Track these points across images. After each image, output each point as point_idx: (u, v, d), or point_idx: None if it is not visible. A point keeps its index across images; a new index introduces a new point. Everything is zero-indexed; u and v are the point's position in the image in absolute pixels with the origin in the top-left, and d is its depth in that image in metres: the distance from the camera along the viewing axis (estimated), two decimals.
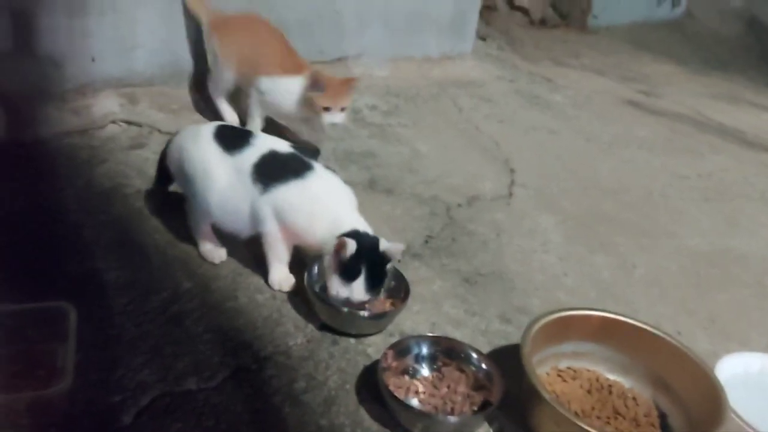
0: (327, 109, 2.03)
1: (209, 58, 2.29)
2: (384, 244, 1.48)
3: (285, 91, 2.11)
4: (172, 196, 1.84)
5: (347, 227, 1.48)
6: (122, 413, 1.21)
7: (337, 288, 1.47)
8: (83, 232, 1.64)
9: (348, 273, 1.45)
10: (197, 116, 2.32)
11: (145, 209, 1.79)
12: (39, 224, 1.66)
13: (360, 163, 2.25)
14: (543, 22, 4.78)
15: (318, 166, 1.58)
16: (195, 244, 1.67)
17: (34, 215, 1.69)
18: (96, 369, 1.29)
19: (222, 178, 1.55)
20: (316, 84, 2.02)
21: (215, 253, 1.64)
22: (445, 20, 3.30)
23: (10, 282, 1.44)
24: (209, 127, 1.62)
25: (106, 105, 2.21)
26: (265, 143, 1.59)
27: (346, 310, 1.46)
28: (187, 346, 1.39)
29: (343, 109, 2.05)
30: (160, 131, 2.18)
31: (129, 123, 2.19)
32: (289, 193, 1.52)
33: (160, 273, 1.57)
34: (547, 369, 1.46)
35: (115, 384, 1.27)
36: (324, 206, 1.53)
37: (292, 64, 2.14)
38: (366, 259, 1.45)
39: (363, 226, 1.51)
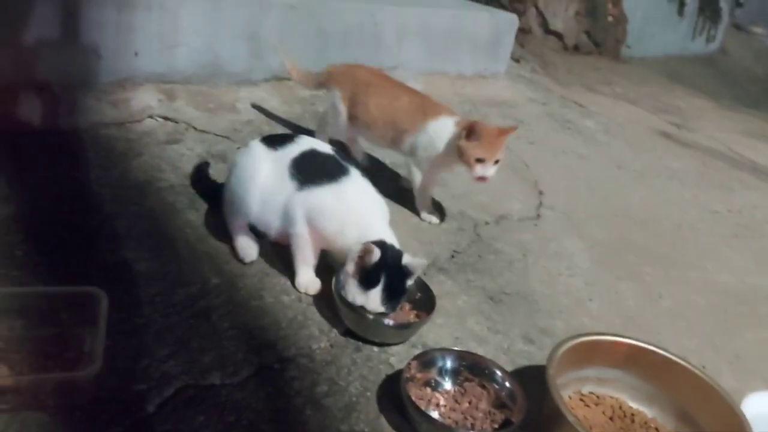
0: (480, 160, 1.84)
1: (329, 115, 2.16)
2: (407, 259, 1.48)
3: (436, 138, 1.94)
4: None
5: (376, 237, 1.49)
6: (146, 402, 1.22)
7: (354, 294, 1.47)
8: (116, 223, 1.66)
9: (368, 280, 1.45)
10: (233, 116, 2.34)
11: (177, 204, 1.81)
12: (74, 211, 1.68)
13: (391, 175, 2.26)
14: (576, 48, 4.80)
15: (354, 172, 1.59)
16: (225, 241, 1.68)
17: (69, 202, 1.71)
18: (123, 356, 1.30)
19: (263, 171, 1.58)
20: (471, 132, 1.84)
21: (248, 251, 1.65)
22: (482, 40, 3.33)
23: (44, 266, 1.47)
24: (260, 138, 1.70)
25: (145, 99, 2.24)
26: (307, 142, 1.62)
27: (371, 317, 1.46)
28: (212, 340, 1.40)
29: (496, 162, 1.87)
30: (195, 128, 2.21)
31: (166, 119, 2.22)
32: (323, 196, 1.53)
33: (189, 267, 1.59)
34: (569, 393, 1.44)
35: (140, 373, 1.28)
36: (355, 213, 1.54)
37: (433, 109, 2.00)
38: (387, 269, 1.45)
39: (391, 239, 1.52)
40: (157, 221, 1.72)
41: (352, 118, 2.08)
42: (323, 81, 2.18)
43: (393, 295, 1.46)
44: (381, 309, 1.46)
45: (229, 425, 1.22)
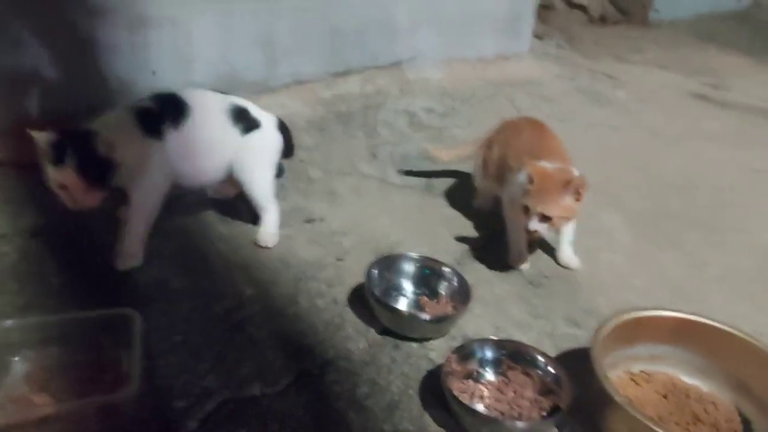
0: (529, 210, 1.60)
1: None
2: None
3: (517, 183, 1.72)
4: (234, 204, 1.87)
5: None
6: (188, 419, 1.22)
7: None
8: (149, 241, 1.67)
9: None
10: None
11: (207, 218, 1.82)
12: (106, 231, 1.70)
13: (417, 165, 2.23)
14: (603, 19, 4.67)
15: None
16: (258, 251, 1.68)
17: (101, 222, 1.73)
18: (162, 375, 1.31)
19: None
20: (530, 179, 1.60)
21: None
22: (500, 20, 3.26)
23: (80, 292, 1.48)
24: None
25: None
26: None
27: (407, 313, 1.43)
28: (250, 351, 1.39)
29: (549, 219, 1.59)
30: None
31: None
32: None
33: (222, 280, 1.59)
34: (618, 372, 1.39)
35: (180, 390, 1.28)
36: None
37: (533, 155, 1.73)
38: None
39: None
40: (189, 237, 1.73)
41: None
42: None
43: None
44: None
45: None
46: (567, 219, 1.64)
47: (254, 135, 1.68)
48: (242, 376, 1.33)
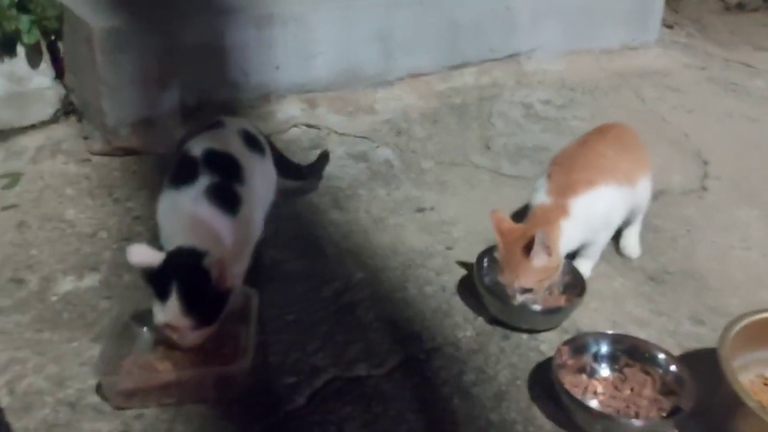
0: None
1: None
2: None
3: None
4: (345, 192, 1.91)
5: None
6: (296, 394, 1.26)
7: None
8: (266, 226, 1.73)
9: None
10: (371, 117, 2.38)
11: (321, 204, 1.86)
12: None
13: (532, 157, 2.17)
14: (740, 6, 4.33)
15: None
16: (368, 237, 1.70)
17: None
18: (275, 351, 1.36)
19: None
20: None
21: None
22: (626, 10, 3.11)
23: None
24: None
25: (289, 110, 2.34)
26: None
27: (517, 303, 1.39)
28: (357, 333, 1.41)
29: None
30: (336, 132, 2.27)
31: (309, 126, 2.31)
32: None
33: (333, 264, 1.62)
34: (750, 376, 1.28)
35: (290, 366, 1.32)
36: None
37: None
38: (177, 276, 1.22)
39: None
40: (303, 222, 1.79)
41: None
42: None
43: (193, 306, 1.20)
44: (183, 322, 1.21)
45: (377, 416, 1.22)
46: (549, 279, 1.42)
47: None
48: (349, 356, 1.35)
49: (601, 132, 1.65)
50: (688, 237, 1.79)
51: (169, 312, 1.19)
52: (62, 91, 2.19)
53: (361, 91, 2.50)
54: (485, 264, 1.51)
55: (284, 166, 1.75)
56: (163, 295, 1.19)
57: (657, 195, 1.97)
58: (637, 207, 1.64)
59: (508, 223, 1.45)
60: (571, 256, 1.55)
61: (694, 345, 1.41)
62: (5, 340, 1.36)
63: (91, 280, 1.53)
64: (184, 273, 1.19)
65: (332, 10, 2.40)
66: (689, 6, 4.02)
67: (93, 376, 1.26)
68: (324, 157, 1.96)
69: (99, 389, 1.24)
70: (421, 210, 1.86)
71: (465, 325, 1.45)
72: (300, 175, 1.88)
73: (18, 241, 1.65)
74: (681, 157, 2.22)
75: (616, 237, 1.68)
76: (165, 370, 1.24)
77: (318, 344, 1.38)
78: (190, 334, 1.22)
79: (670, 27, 3.54)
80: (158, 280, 1.20)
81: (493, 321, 1.46)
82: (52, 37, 2.16)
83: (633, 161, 1.60)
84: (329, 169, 2.02)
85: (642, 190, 1.63)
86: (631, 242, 1.70)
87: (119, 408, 1.21)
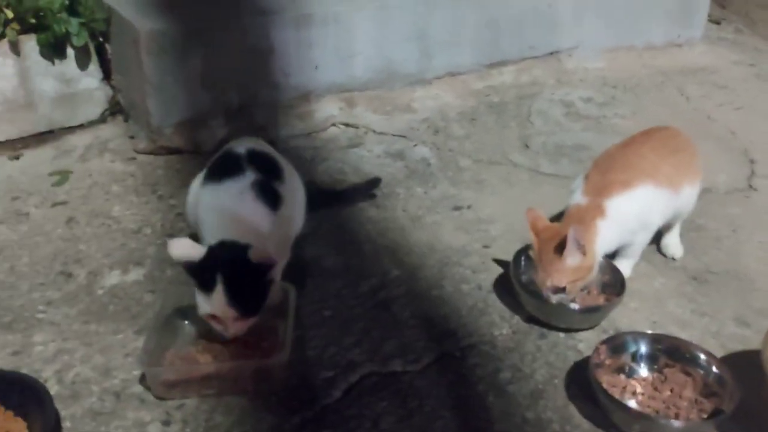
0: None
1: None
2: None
3: None
4: (383, 190, 1.92)
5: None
6: (332, 388, 1.27)
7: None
8: (304, 223, 1.76)
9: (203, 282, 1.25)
10: (409, 116, 2.38)
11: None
12: None
13: (572, 156, 2.15)
14: None
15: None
16: (404, 234, 1.71)
17: None
18: (312, 346, 1.38)
19: None
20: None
21: None
22: (671, 5, 3.04)
23: None
24: None
25: (327, 109, 2.36)
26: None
27: (554, 301, 1.38)
28: (393, 330, 1.42)
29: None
30: (374, 131, 2.28)
31: (347, 125, 2.33)
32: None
33: (370, 261, 1.64)
34: None
35: (327, 361, 1.34)
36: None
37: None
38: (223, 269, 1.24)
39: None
40: (341, 219, 1.80)
41: None
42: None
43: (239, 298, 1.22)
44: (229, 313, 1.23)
45: (412, 411, 1.23)
46: (583, 280, 1.40)
47: None
48: (385, 352, 1.36)
49: (646, 135, 1.62)
50: (733, 237, 1.75)
51: (214, 303, 1.21)
52: (109, 91, 2.26)
53: (399, 90, 2.51)
54: (522, 262, 1.51)
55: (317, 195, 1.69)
56: (208, 287, 1.21)
57: (701, 194, 1.93)
58: (679, 212, 1.61)
59: (543, 222, 1.44)
60: (611, 255, 1.53)
61: (737, 347, 1.38)
62: (55, 331, 1.41)
63: (135, 274, 1.58)
64: (229, 265, 1.21)
65: (370, 10, 2.41)
66: (736, 1, 3.91)
67: (137, 367, 1.30)
68: (375, 181, 1.91)
69: (142, 380, 1.28)
70: (458, 208, 1.86)
71: (501, 324, 1.45)
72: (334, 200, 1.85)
73: (67, 236, 1.71)
74: (727, 156, 2.17)
75: (657, 236, 1.65)
76: (205, 362, 1.27)
77: (354, 339, 1.39)
78: (233, 325, 1.24)
79: (716, 23, 3.45)
80: (203, 273, 1.22)
81: (530, 319, 1.45)
82: (100, 39, 2.23)
83: (678, 166, 1.56)
84: (367, 167, 2.05)
85: (686, 196, 1.59)
86: (673, 242, 1.67)
87: (161, 398, 1.25)
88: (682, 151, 1.60)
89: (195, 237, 1.38)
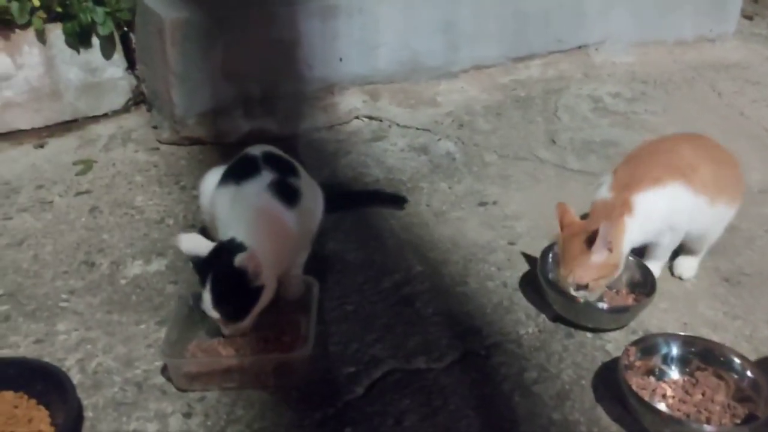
0: None
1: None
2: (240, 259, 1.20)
3: None
4: (407, 185, 1.90)
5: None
6: (355, 384, 1.25)
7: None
8: (327, 217, 1.74)
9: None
10: (433, 109, 2.36)
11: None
12: None
13: (600, 152, 2.11)
14: None
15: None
16: (429, 230, 1.69)
17: None
18: (335, 341, 1.36)
19: None
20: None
21: None
22: (702, 0, 2.98)
23: None
24: None
25: (351, 102, 2.34)
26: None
27: (583, 301, 1.35)
28: (417, 326, 1.40)
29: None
30: (398, 125, 2.26)
31: (371, 118, 2.30)
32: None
33: (393, 256, 1.61)
34: None
35: (350, 356, 1.32)
36: None
37: None
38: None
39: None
40: (364, 214, 1.78)
41: None
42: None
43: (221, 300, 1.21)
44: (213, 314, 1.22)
45: (436, 409, 1.21)
46: (606, 279, 1.36)
47: None
48: (408, 348, 1.34)
49: (687, 137, 1.57)
50: (767, 237, 1.70)
51: (205, 303, 1.21)
52: (133, 81, 2.26)
53: (424, 83, 2.48)
54: (550, 259, 1.47)
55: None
56: (203, 286, 1.21)
57: None
58: (706, 231, 1.51)
59: (571, 217, 1.40)
60: (640, 254, 1.49)
61: None
62: (78, 320, 1.41)
63: (158, 264, 1.57)
64: (215, 269, 1.21)
65: (396, 1, 2.38)
66: None
67: (159, 358, 1.29)
68: (401, 200, 1.83)
69: (164, 371, 1.27)
70: (483, 204, 1.83)
71: (527, 322, 1.42)
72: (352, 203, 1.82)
73: (91, 226, 1.71)
74: (760, 154, 2.11)
75: (674, 255, 1.56)
76: (227, 355, 1.26)
77: (377, 335, 1.37)
78: (226, 325, 1.24)
79: (749, 18, 3.38)
80: (201, 271, 1.23)
81: (557, 318, 1.42)
82: (125, 29, 2.23)
83: (718, 177, 1.46)
84: (390, 161, 2.03)
85: (720, 214, 1.49)
86: (689, 264, 1.55)
87: (183, 390, 1.24)
88: (726, 165, 1.51)
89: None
